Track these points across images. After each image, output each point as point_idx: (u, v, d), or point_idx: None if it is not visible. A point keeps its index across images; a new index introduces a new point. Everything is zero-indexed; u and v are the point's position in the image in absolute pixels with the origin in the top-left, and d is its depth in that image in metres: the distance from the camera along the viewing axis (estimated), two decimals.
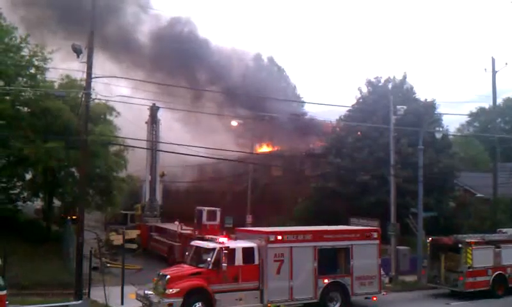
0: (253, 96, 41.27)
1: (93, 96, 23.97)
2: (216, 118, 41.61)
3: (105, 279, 23.16)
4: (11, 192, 32.44)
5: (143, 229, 39.45)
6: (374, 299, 23.17)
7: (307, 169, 45.29)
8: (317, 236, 22.49)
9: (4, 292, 16.36)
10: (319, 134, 46.04)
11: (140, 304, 21.43)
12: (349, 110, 41.90)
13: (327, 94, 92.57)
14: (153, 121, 41.61)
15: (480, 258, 25.59)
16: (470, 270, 25.31)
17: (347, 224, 28.16)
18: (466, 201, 40.96)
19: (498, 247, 26.30)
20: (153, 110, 41.25)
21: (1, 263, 18.52)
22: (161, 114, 41.97)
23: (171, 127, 43.66)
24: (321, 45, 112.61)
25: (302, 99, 55.18)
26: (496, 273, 25.87)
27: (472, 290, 25.25)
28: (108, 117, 32.23)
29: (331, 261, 22.51)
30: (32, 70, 30.06)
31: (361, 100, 41.44)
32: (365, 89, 41.73)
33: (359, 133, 39.09)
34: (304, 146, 47.61)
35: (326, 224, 26.40)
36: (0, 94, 28.11)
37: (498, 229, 30.12)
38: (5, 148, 29.10)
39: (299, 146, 47.35)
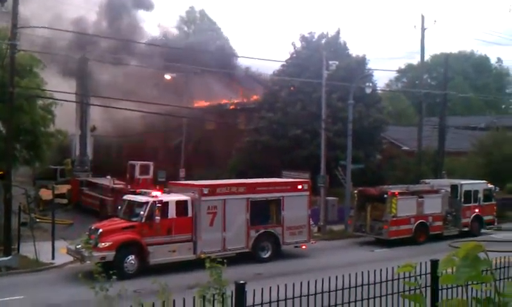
0: (181, 48, 40.72)
1: (18, 47, 22.99)
2: (149, 73, 40.93)
3: (35, 234, 22.77)
4: None
5: (74, 184, 38.74)
6: (304, 247, 24.07)
7: (241, 123, 45.54)
8: (250, 188, 22.96)
9: None
10: (253, 88, 46.23)
11: (71, 258, 21.32)
12: (282, 65, 42.23)
13: (262, 49, 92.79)
14: (82, 74, 40.26)
15: (404, 207, 26.92)
16: (394, 219, 26.60)
17: (280, 176, 28.79)
18: (393, 153, 42.66)
19: (421, 197, 27.71)
20: (82, 62, 39.87)
21: None
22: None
23: (101, 80, 42.47)
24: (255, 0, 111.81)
25: (235, 53, 54.70)
26: (418, 221, 27.32)
27: (396, 237, 26.58)
28: (34, 69, 30.94)
29: (263, 212, 23.14)
30: None
31: (294, 55, 41.79)
32: (298, 44, 42.09)
33: (292, 87, 39.52)
34: (239, 100, 47.71)
35: (259, 177, 26.88)
36: None
37: (422, 180, 31.69)
38: None
39: (233, 100, 47.42)
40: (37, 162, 33.60)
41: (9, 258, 20.87)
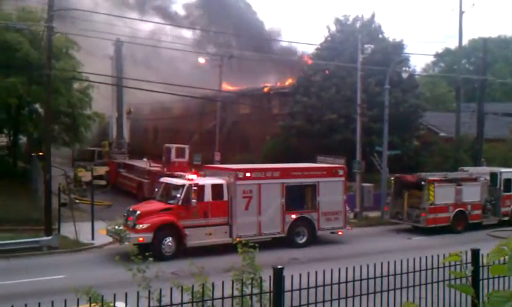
0: (222, 32, 40.79)
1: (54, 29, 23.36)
2: (184, 55, 41.12)
3: (75, 215, 23.24)
4: None
5: (111, 166, 39.43)
6: (340, 233, 23.96)
7: (275, 108, 45.49)
8: (285, 173, 22.92)
9: None
10: (287, 72, 46.08)
11: (110, 239, 21.73)
12: (317, 49, 41.95)
13: (295, 32, 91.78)
14: (117, 56, 40.77)
15: (442, 195, 26.42)
16: (432, 206, 26.16)
17: (314, 162, 28.68)
18: (430, 140, 41.95)
19: (460, 185, 27.14)
20: (118, 45, 40.38)
21: None
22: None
23: (137, 63, 42.88)
24: None
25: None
26: (456, 210, 26.79)
27: (433, 225, 26.13)
28: (70, 52, 31.46)
29: (299, 197, 23.11)
30: None
31: (329, 39, 41.44)
32: (333, 28, 41.72)
33: (327, 72, 39.22)
34: (273, 84, 47.63)
35: (293, 162, 26.83)
36: None
37: (460, 168, 31.11)
38: None
39: (268, 84, 47.37)
40: (76, 143, 34.38)
41: (50, 237, 21.39)
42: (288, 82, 45.94)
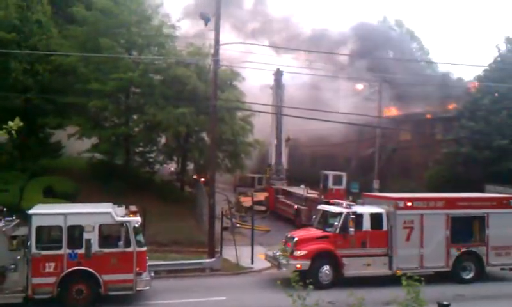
0: (381, 58, 40.14)
1: (221, 62, 24.60)
2: (341, 82, 41.10)
3: (235, 239, 24.02)
4: (148, 155, 34.41)
5: (270, 191, 40.29)
6: None
7: (438, 134, 43.38)
8: (450, 203, 21.53)
9: (145, 249, 17.57)
10: (451, 96, 43.81)
11: (269, 264, 22.07)
12: (485, 70, 39.36)
13: (459, 54, 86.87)
14: (277, 85, 41.86)
15: None
16: None
17: (482, 191, 26.62)
18: None
19: None
20: (278, 74, 41.47)
21: (141, 221, 19.75)
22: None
23: (294, 93, 43.66)
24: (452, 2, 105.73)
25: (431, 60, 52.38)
26: None
27: None
28: (234, 83, 32.98)
29: (465, 229, 21.50)
30: (162, 39, 31.32)
31: (499, 59, 38.68)
32: (503, 47, 38.85)
33: (496, 94, 36.56)
34: (435, 109, 45.58)
35: (458, 191, 25.21)
36: (135, 63, 29.82)
37: None
38: (141, 115, 30.90)
39: (429, 110, 45.44)
40: (237, 170, 35.76)
41: (213, 260, 22.34)
42: (452, 106, 43.62)
